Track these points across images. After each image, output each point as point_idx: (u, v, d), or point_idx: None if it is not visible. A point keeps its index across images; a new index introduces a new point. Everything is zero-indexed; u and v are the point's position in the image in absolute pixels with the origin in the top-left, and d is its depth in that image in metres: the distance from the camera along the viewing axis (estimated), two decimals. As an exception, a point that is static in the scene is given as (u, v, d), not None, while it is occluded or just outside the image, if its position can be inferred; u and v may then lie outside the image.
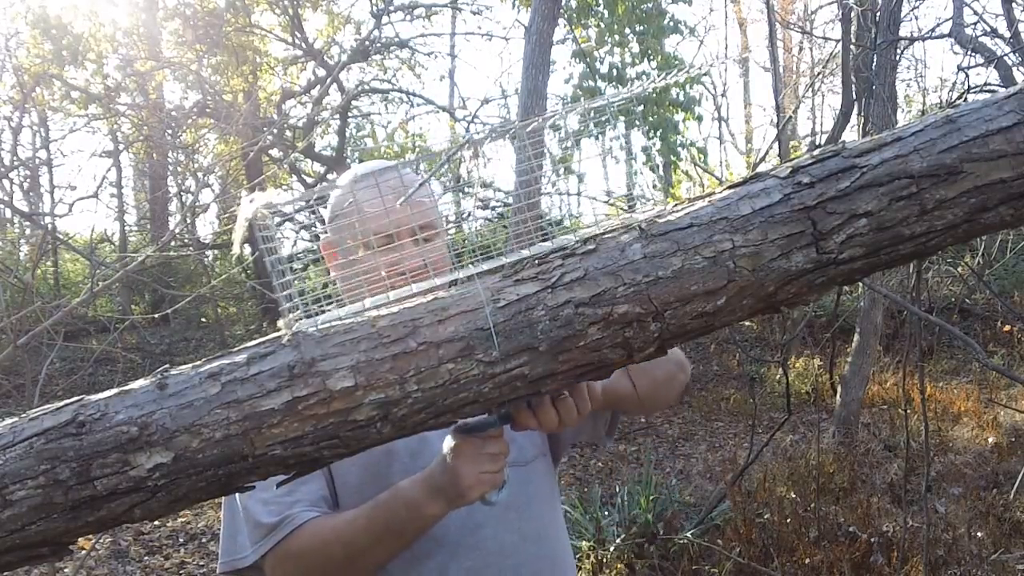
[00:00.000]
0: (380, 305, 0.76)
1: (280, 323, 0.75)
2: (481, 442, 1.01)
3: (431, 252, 1.12)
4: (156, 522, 4.36)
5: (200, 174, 8.02)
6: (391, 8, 8.75)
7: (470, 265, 0.80)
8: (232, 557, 1.11)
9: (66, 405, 0.72)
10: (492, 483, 1.02)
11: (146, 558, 4.13)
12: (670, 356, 1.08)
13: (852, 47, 5.90)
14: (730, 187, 0.77)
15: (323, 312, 0.79)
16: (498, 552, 1.14)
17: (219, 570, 1.13)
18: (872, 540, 3.52)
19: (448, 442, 1.03)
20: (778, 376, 7.04)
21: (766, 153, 6.40)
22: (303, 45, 8.74)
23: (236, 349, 0.75)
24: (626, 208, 0.82)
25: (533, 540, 1.18)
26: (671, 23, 7.61)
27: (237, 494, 1.09)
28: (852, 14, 5.53)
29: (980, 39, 3.48)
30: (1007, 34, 3.38)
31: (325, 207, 1.18)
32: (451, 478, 1.01)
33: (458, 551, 1.11)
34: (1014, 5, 3.32)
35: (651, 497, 3.99)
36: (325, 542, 1.05)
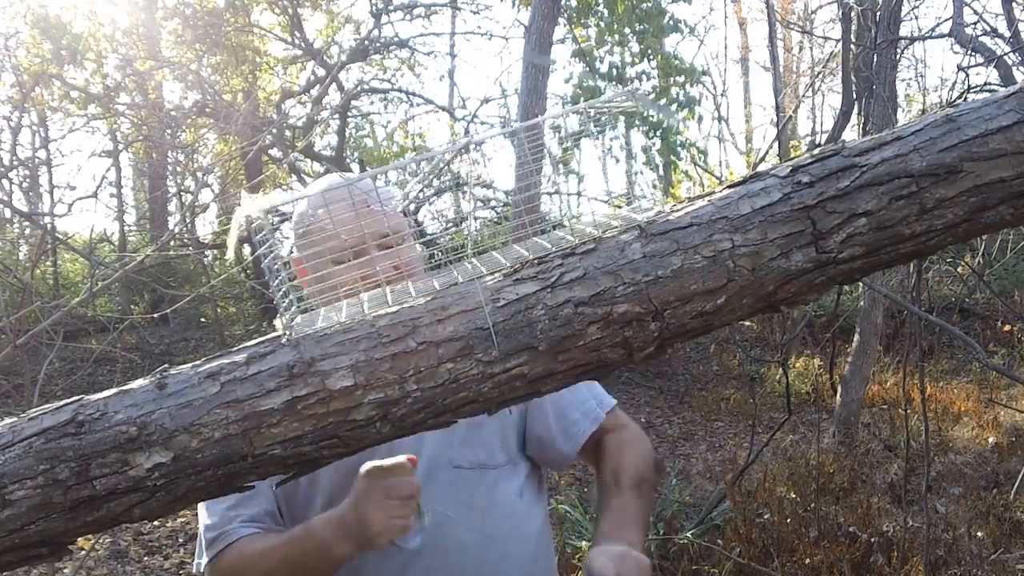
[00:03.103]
0: (378, 305, 0.76)
1: (276, 323, 0.75)
2: (389, 486, 1.00)
3: (400, 256, 1.12)
4: (156, 522, 4.36)
5: (200, 174, 8.01)
6: (391, 8, 8.75)
7: (468, 266, 0.80)
8: (197, 560, 1.16)
9: (65, 405, 0.72)
10: (401, 529, 1.01)
11: (146, 558, 4.13)
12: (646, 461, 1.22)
13: (852, 47, 5.91)
14: (730, 186, 0.77)
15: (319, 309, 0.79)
16: (459, 551, 1.14)
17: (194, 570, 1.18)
18: (872, 540, 3.52)
19: (358, 483, 1.02)
20: (778, 376, 7.03)
21: (766, 153, 6.42)
22: (303, 45, 8.73)
23: (235, 349, 0.75)
24: (625, 208, 0.82)
25: (499, 542, 1.17)
26: (671, 22, 7.60)
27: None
28: (852, 14, 5.53)
29: (980, 39, 3.48)
30: (1007, 34, 3.38)
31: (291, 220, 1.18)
32: (359, 523, 1.00)
33: (420, 549, 1.11)
34: (1014, 5, 3.33)
35: (651, 497, 3.98)
36: (246, 567, 1.09)
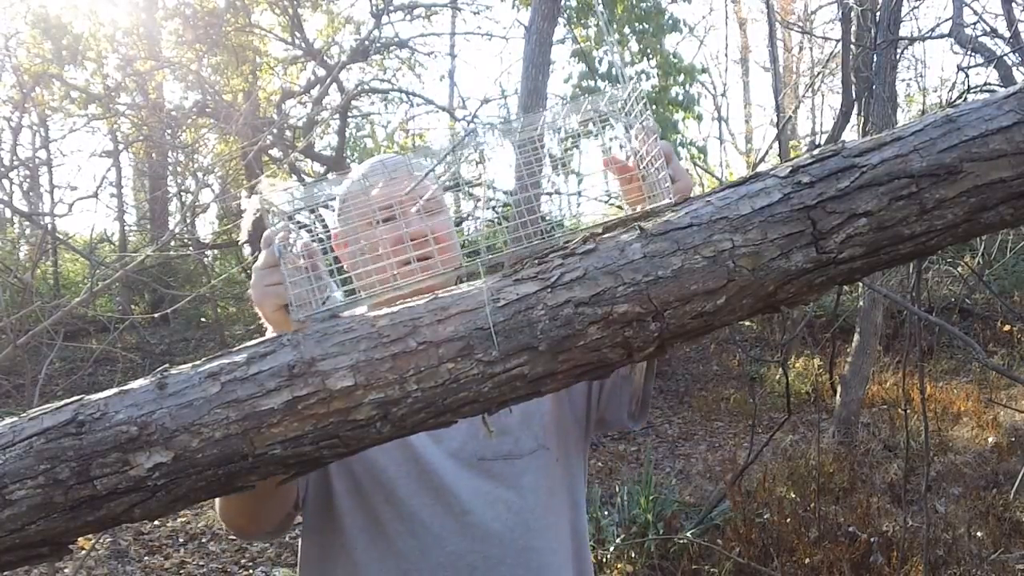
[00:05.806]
0: (384, 291, 0.76)
1: (290, 316, 0.75)
2: (255, 266, 0.94)
3: (433, 224, 1.12)
4: (156, 522, 4.36)
5: (200, 174, 8.00)
6: (391, 8, 8.74)
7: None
8: None
9: (66, 405, 0.72)
10: (276, 294, 0.91)
11: (146, 558, 4.13)
12: None
13: (852, 47, 5.91)
14: (730, 186, 0.77)
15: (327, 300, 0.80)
16: (483, 539, 1.13)
17: None
18: (872, 540, 3.52)
19: None
20: (778, 376, 7.03)
21: (766, 153, 6.41)
22: (303, 45, 8.73)
23: (235, 349, 0.75)
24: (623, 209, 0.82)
25: (521, 532, 1.15)
26: (670, 21, 7.61)
27: None
28: (852, 14, 5.53)
29: (980, 39, 3.48)
30: (1007, 34, 3.38)
31: (328, 208, 1.19)
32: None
33: (443, 535, 1.11)
34: (1014, 5, 3.32)
35: (651, 497, 3.99)
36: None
